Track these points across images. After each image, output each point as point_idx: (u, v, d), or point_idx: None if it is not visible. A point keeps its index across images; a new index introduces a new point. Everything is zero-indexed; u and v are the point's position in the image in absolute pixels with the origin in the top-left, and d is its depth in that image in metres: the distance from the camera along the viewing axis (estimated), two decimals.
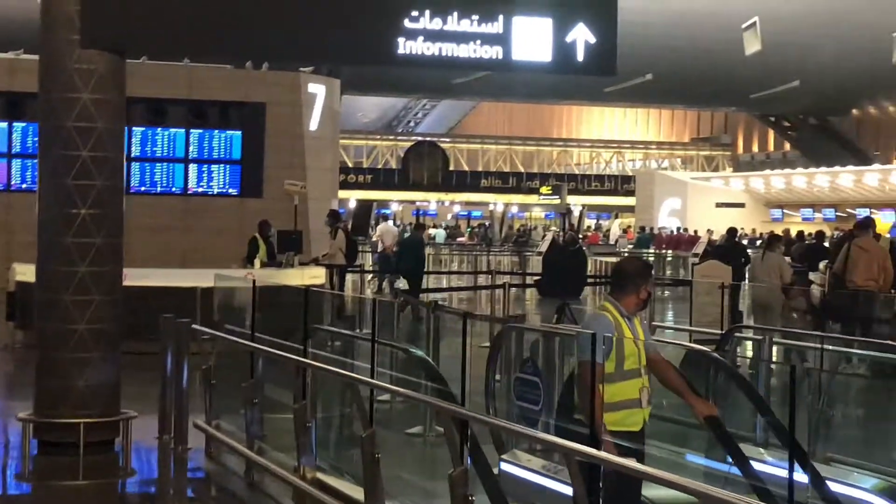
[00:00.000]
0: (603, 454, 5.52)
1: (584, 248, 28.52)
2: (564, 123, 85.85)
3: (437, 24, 10.76)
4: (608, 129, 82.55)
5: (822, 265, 19.40)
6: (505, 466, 7.78)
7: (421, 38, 10.73)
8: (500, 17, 10.79)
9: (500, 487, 7.06)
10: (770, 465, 7.47)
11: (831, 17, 48.69)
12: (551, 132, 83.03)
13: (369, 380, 7.67)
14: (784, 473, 7.46)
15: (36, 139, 23.66)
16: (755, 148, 72.79)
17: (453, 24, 10.80)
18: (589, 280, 25.90)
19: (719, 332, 11.28)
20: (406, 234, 24.28)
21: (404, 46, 10.71)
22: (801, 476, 7.05)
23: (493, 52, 10.84)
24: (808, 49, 50.39)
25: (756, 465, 7.51)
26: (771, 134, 69.73)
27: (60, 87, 10.56)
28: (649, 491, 6.93)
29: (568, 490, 7.37)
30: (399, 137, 75.09)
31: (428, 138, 69.97)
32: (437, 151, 65.06)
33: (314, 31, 10.69)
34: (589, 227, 52.48)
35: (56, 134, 10.61)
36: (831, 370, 9.04)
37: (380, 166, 68.01)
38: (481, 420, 6.60)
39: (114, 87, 10.70)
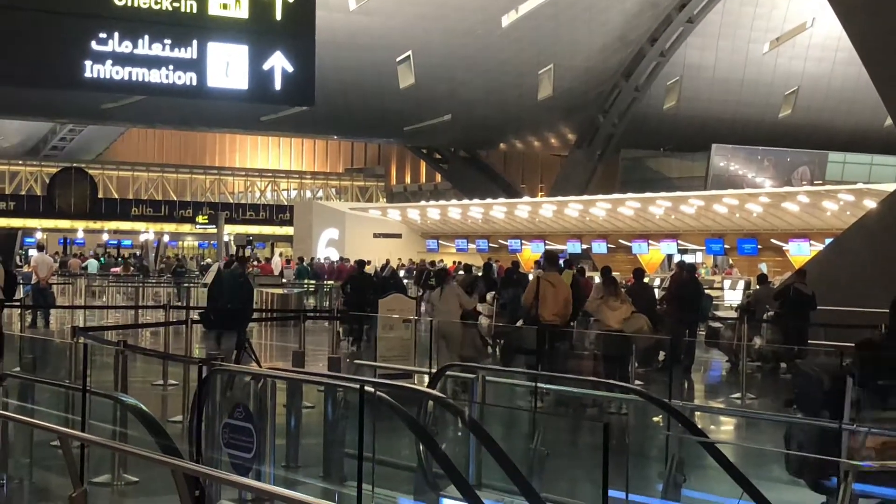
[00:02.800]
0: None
1: (250, 279, 28.09)
2: (218, 151, 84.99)
3: (126, 47, 10.29)
4: (263, 158, 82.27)
5: (489, 296, 19.77)
6: None
7: (109, 62, 10.23)
8: (195, 43, 10.44)
9: None
10: None
11: (481, 53, 50.25)
12: (205, 160, 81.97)
13: (86, 436, 7.12)
14: None
15: None
16: (408, 179, 74.24)
17: (144, 48, 10.36)
18: (256, 314, 25.44)
19: (413, 369, 11.23)
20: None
21: (92, 70, 10.19)
22: None
23: (187, 77, 10.47)
24: (458, 84, 51.82)
25: None
26: (423, 165, 71.27)
27: None
28: None
29: None
30: (44, 163, 72.30)
31: (75, 164, 67.68)
32: (85, 178, 63.10)
33: None
34: (255, 258, 51.92)
35: None
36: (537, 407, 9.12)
37: (23, 192, 65.29)
38: (223, 479, 6.21)
39: None
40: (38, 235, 61.78)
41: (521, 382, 9.61)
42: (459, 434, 8.61)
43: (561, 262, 19.50)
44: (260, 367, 11.72)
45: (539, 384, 9.69)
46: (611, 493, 8.41)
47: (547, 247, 42.24)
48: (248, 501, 7.88)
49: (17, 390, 10.03)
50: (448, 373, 9.73)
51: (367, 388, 7.50)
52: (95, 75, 10.16)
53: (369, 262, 28.86)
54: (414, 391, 8.97)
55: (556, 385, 10.04)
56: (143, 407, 7.66)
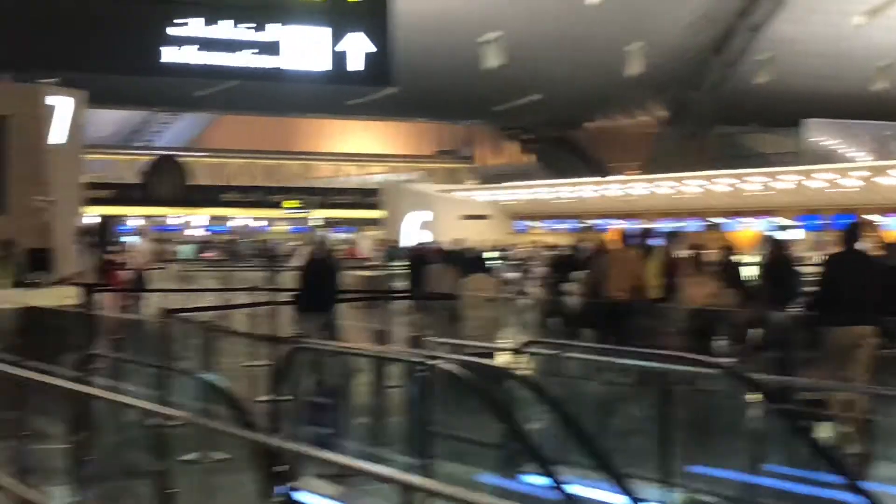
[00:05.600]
0: (427, 482, 5.31)
1: (337, 262, 28.32)
2: (307, 136, 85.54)
3: (206, 32, 10.40)
4: (352, 142, 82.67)
5: (577, 275, 19.75)
6: (300, 496, 7.50)
7: (187, 47, 10.35)
8: (275, 26, 10.52)
9: None
10: (577, 485, 7.40)
11: (568, 32, 50.01)
12: (293, 145, 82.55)
13: (161, 408, 7.26)
14: (593, 493, 7.46)
15: None
16: (496, 160, 74.16)
17: (224, 31, 10.47)
18: (342, 295, 25.59)
19: (499, 346, 11.24)
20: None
21: (169, 55, 10.31)
22: (615, 496, 7.03)
23: (267, 61, 10.56)
24: (546, 63, 51.62)
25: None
26: (511, 146, 71.16)
27: None
28: None
29: None
30: (138, 152, 73.34)
31: (168, 152, 68.55)
32: (177, 166, 63.86)
33: (73, 39, 10.19)
34: (343, 240, 52.26)
35: None
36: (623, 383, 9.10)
37: (120, 181, 66.29)
38: (291, 449, 6.29)
39: None
40: (134, 222, 62.72)
41: (602, 358, 9.58)
42: (540, 410, 8.62)
43: (648, 240, 19.41)
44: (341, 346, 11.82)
45: (619, 360, 9.68)
46: (701, 469, 8.41)
47: (636, 226, 41.95)
48: (330, 477, 7.97)
49: (108, 370, 10.24)
50: (530, 349, 9.74)
51: (445, 364, 7.57)
52: (174, 60, 10.28)
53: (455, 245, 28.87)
54: (494, 368, 8.99)
55: (638, 361, 9.99)
56: (223, 383, 7.77)
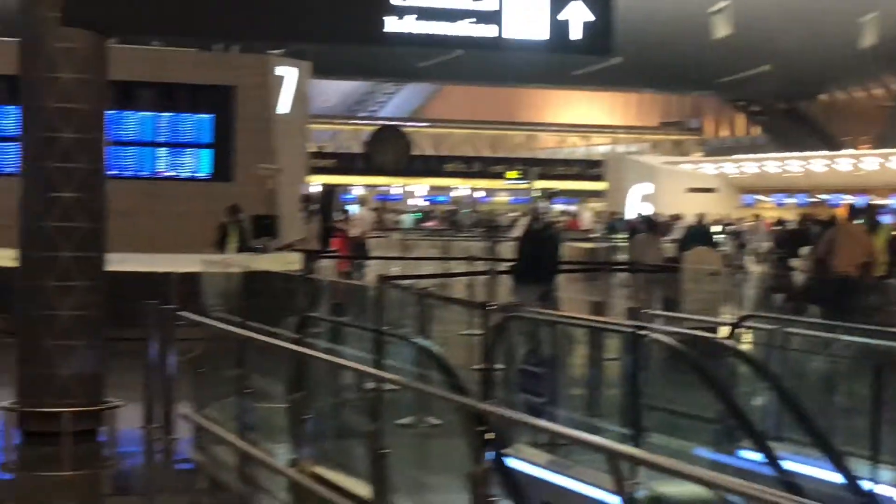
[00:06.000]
0: (645, 454, 5.25)
1: (557, 233, 28.32)
2: (530, 107, 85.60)
3: (427, 1, 10.46)
4: (574, 113, 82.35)
5: (804, 250, 19.30)
6: (510, 462, 7.52)
7: (409, 17, 10.43)
8: None
9: (516, 484, 6.79)
10: (792, 461, 7.23)
11: (799, 1, 48.66)
12: (517, 116, 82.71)
13: (378, 372, 7.38)
14: (809, 470, 7.27)
15: (7, 122, 23.37)
16: (723, 132, 72.82)
17: (445, 1, 10.52)
18: (562, 266, 25.62)
19: (716, 320, 11.08)
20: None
21: (392, 25, 10.41)
22: (831, 474, 6.84)
23: (487, 30, 10.57)
24: (777, 33, 50.34)
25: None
26: (739, 118, 69.77)
27: (41, 66, 10.22)
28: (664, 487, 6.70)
29: (580, 487, 7.17)
30: (362, 122, 74.62)
31: (391, 122, 69.54)
32: (401, 136, 64.66)
33: (297, 9, 10.38)
34: (563, 212, 52.17)
35: (37, 115, 10.27)
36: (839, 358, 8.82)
37: (343, 151, 67.57)
38: (503, 415, 6.31)
39: (96, 67, 10.36)
40: (357, 192, 63.93)
41: (826, 335, 9.31)
42: (758, 386, 8.44)
43: (877, 216, 18.84)
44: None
45: (846, 336, 9.39)
46: None
47: (863, 200, 40.62)
48: (542, 445, 7.97)
49: (327, 333, 10.47)
50: (748, 324, 9.55)
51: (660, 336, 7.47)
52: (396, 30, 10.37)
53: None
54: (712, 341, 8.83)
55: (865, 339, 9.67)
56: (437, 349, 7.85)
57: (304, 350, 8.49)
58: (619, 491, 5.00)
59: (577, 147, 73.83)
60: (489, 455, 6.06)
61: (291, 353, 8.59)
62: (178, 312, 10.38)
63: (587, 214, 45.11)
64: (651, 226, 24.19)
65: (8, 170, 22.76)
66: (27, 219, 10.29)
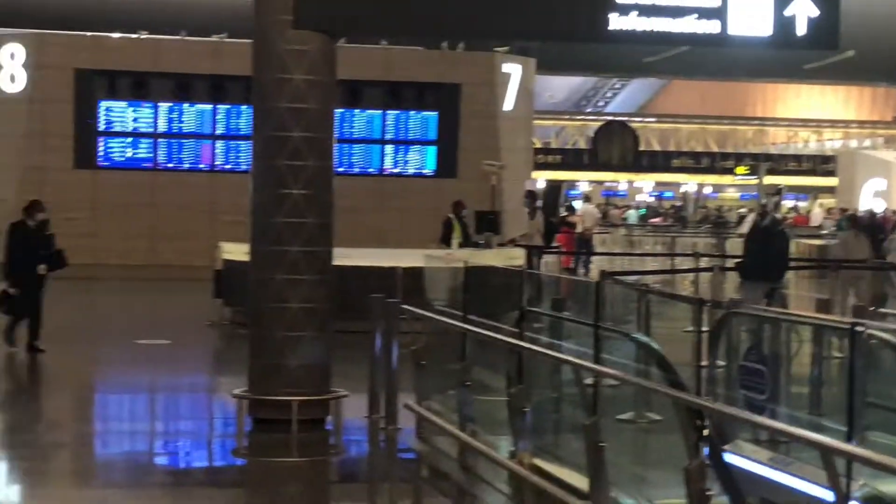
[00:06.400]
0: (860, 451, 5.18)
1: (786, 230, 27.79)
2: (760, 101, 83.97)
3: None
4: (805, 107, 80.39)
5: None
6: (729, 458, 7.47)
7: (633, 14, 10.44)
8: None
9: (734, 479, 6.76)
10: None
11: None
12: (746, 111, 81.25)
13: (597, 367, 7.45)
14: None
15: (239, 121, 24.28)
16: None
17: None
18: (791, 264, 25.14)
19: None
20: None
21: (616, 22, 10.44)
22: None
23: (710, 26, 10.49)
24: None
25: None
26: None
27: (272, 68, 10.61)
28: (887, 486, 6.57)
29: (801, 485, 7.07)
30: (588, 117, 74.43)
31: (618, 118, 69.14)
32: (628, 131, 64.17)
33: (523, 7, 10.51)
34: (792, 208, 51.02)
35: (268, 115, 10.66)
36: None
37: (569, 146, 67.52)
38: (719, 411, 6.30)
39: (325, 69, 10.71)
40: (583, 187, 63.84)
41: None
42: None
43: None
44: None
45: None
46: None
47: None
48: (763, 442, 7.90)
49: (547, 328, 10.58)
50: None
51: (876, 332, 7.31)
52: (620, 27, 10.40)
53: None
54: None
55: None
56: (653, 343, 7.87)
57: (523, 344, 8.61)
58: (834, 487, 4.96)
59: (808, 142, 72.02)
60: (705, 450, 6.06)
61: (511, 347, 8.72)
62: (402, 306, 10.64)
63: (817, 210, 44.00)
64: (857, 223, 23.47)
65: (241, 168, 23.70)
66: (258, 215, 10.71)
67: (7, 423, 11.74)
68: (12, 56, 24.51)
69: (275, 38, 10.57)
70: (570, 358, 8.16)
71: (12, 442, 10.84)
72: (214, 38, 25.50)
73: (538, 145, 63.55)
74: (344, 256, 14.91)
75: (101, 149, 24.85)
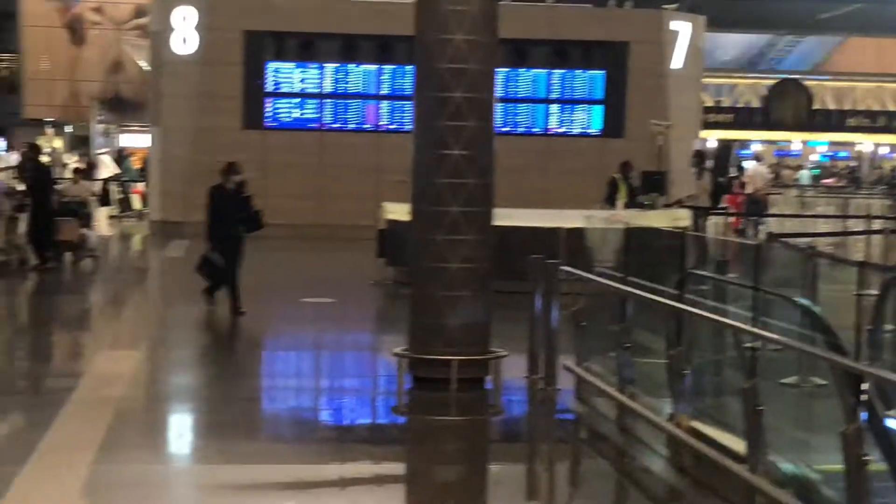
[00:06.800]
0: None
1: None
2: None
3: None
4: None
5: None
6: (892, 423, 7.29)
7: None
8: None
9: (894, 445, 6.59)
10: None
11: None
12: None
13: (756, 330, 7.33)
14: None
15: (404, 81, 24.44)
16: None
17: None
18: None
19: None
20: None
21: None
22: None
23: None
24: None
25: None
26: None
27: (435, 28, 10.63)
28: None
29: None
30: (761, 75, 72.85)
31: (792, 76, 67.52)
32: (802, 90, 62.71)
33: None
34: None
35: (429, 76, 10.70)
36: None
37: (740, 105, 66.22)
38: (877, 375, 6.15)
39: (486, 29, 10.69)
40: (755, 147, 62.70)
41: None
42: None
43: None
44: None
45: None
46: None
47: None
48: None
49: (710, 291, 10.43)
50: None
51: None
52: None
53: None
54: None
55: None
56: (815, 307, 7.70)
57: (681, 306, 8.51)
58: None
59: None
60: (863, 415, 5.93)
61: (670, 309, 8.64)
62: (562, 267, 10.61)
63: None
64: None
65: (405, 128, 23.88)
66: (419, 175, 10.77)
67: (182, 377, 12.11)
68: (184, 18, 25.04)
69: None
70: (729, 321, 8.04)
71: (187, 396, 11.19)
72: None
73: (709, 104, 62.55)
74: (505, 217, 14.92)
75: (268, 109, 25.27)
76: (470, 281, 10.55)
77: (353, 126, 25.40)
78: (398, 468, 8.99)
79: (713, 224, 24.03)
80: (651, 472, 8.68)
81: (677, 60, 26.28)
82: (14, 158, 30.18)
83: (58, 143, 44.97)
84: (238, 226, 14.86)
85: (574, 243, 12.51)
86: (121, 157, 37.78)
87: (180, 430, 10.22)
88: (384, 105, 25.36)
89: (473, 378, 10.57)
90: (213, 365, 12.71)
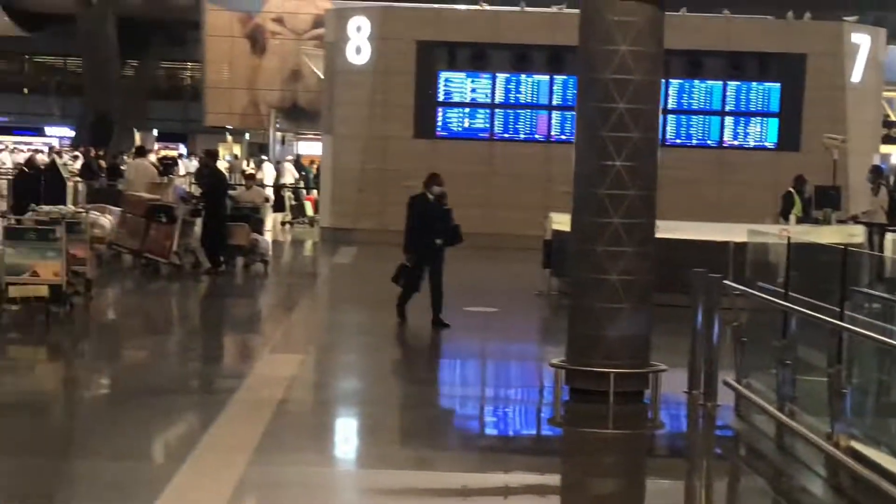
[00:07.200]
0: None
1: None
2: None
3: None
4: None
5: None
6: None
7: None
8: None
9: None
10: None
11: None
12: None
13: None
14: None
15: (574, 92, 24.37)
16: None
17: None
18: None
19: None
20: None
21: None
22: None
23: None
24: None
25: None
26: None
27: (599, 39, 10.61)
28: None
29: None
30: None
31: None
32: None
33: None
34: None
35: (593, 86, 10.68)
36: None
37: None
38: None
39: (652, 40, 10.63)
40: None
41: None
42: None
43: None
44: None
45: None
46: None
47: None
48: None
49: (880, 310, 10.18)
50: None
51: None
52: None
53: None
54: None
55: None
56: None
57: (840, 324, 8.32)
58: None
59: None
60: None
61: (829, 325, 8.46)
62: (724, 281, 10.46)
63: None
64: None
65: (565, 138, 23.83)
66: (580, 185, 10.75)
67: (343, 381, 12.28)
68: (358, 29, 25.42)
69: (603, 8, 10.57)
70: (883, 338, 7.84)
71: (347, 400, 11.35)
72: (553, 10, 25.66)
73: (893, 118, 60.76)
74: (671, 229, 14.79)
75: (439, 119, 25.49)
76: (630, 293, 10.48)
77: (524, 136, 25.45)
78: (558, 479, 8.96)
79: (891, 241, 23.40)
80: (808, 491, 8.50)
81: (857, 73, 25.68)
82: (194, 164, 31.09)
83: (237, 150, 46.05)
84: (437, 237, 14.63)
85: (743, 258, 12.32)
86: (299, 164, 38.57)
87: (339, 433, 10.35)
88: (555, 115, 25.36)
89: (632, 391, 10.50)
90: (375, 370, 12.84)
